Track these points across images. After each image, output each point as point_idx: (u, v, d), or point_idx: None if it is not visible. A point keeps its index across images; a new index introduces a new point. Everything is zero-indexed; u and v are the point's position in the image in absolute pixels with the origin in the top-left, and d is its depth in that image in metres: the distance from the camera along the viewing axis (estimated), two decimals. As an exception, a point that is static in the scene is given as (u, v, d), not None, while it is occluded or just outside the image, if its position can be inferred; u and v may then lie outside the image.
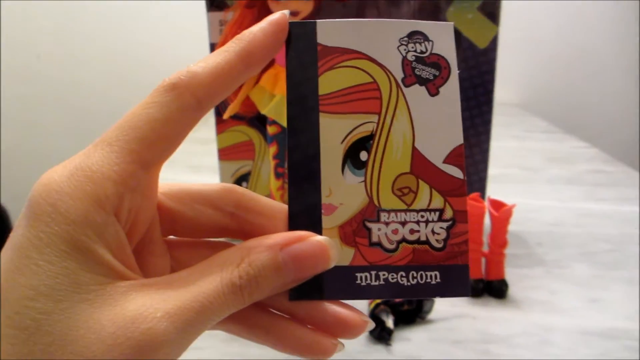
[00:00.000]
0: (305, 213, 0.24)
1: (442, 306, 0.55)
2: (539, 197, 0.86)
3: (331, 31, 0.25)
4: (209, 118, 0.81)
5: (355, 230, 0.24)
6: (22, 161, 1.67)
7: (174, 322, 0.20)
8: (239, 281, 0.21)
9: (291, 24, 0.25)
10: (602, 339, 0.50)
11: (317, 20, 0.25)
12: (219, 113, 0.61)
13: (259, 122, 0.62)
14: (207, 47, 0.59)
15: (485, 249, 0.58)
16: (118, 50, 1.60)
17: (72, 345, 0.19)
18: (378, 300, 0.50)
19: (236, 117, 0.59)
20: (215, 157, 0.65)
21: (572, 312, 0.55)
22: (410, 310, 0.52)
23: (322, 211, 0.24)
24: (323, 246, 0.23)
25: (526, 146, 1.16)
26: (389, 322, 0.50)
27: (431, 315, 0.53)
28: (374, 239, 0.24)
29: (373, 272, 0.24)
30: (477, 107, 0.65)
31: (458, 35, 0.63)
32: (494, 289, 0.57)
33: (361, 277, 0.24)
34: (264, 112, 0.55)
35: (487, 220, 0.57)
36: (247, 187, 0.65)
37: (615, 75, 1.50)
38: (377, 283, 0.24)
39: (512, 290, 0.58)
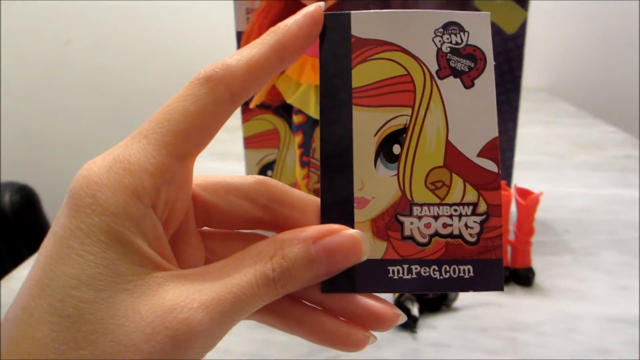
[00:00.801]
0: (337, 206, 0.24)
1: (467, 294, 0.55)
2: (567, 184, 0.85)
3: (365, 23, 0.25)
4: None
5: (388, 224, 0.24)
6: (51, 146, 1.71)
7: (209, 313, 0.20)
8: (272, 274, 0.22)
9: (325, 16, 0.24)
10: (630, 326, 0.50)
11: (352, 12, 0.25)
12: (245, 102, 0.61)
13: (285, 111, 0.62)
14: (233, 35, 0.60)
15: (512, 237, 0.58)
16: (146, 36, 1.61)
17: (112, 334, 0.19)
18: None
19: (262, 106, 0.59)
20: (240, 144, 0.65)
21: (600, 300, 0.54)
22: (435, 298, 0.52)
23: (355, 204, 0.24)
24: (355, 239, 0.23)
25: (554, 132, 1.14)
26: (415, 309, 0.50)
27: (457, 303, 0.53)
28: (407, 232, 0.24)
29: (405, 266, 0.24)
30: (504, 94, 0.65)
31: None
32: (520, 277, 0.57)
33: (393, 271, 0.24)
34: (289, 101, 0.55)
35: (513, 208, 0.57)
36: (272, 176, 0.66)
37: (646, 57, 1.47)
38: (409, 276, 0.24)
39: (539, 278, 0.58)
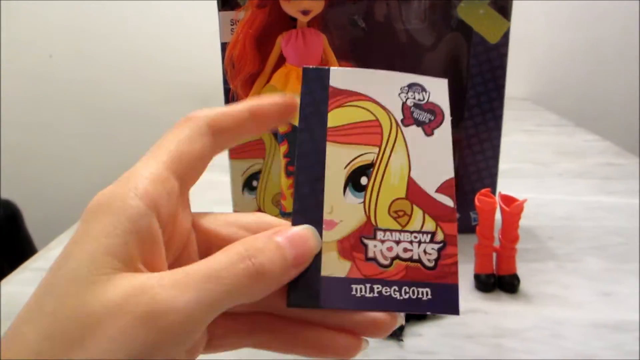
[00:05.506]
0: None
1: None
2: (550, 191, 0.86)
3: (342, 76, 0.29)
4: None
5: (353, 245, 0.26)
6: (34, 160, 1.69)
7: (182, 288, 0.21)
8: (245, 252, 0.23)
9: (307, 70, 0.29)
10: (615, 332, 0.51)
11: (331, 67, 0.29)
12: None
13: (270, 120, 0.62)
14: (218, 47, 0.60)
15: (497, 244, 0.58)
16: (130, 49, 1.61)
17: (83, 323, 0.20)
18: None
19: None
20: (225, 155, 0.65)
21: (584, 306, 0.55)
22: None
23: (323, 226, 0.26)
24: (307, 228, 0.26)
25: (537, 140, 1.16)
26: (401, 317, 0.50)
27: (443, 311, 0.53)
28: (370, 254, 0.26)
29: (368, 285, 0.26)
30: (488, 103, 0.65)
31: (469, 31, 0.63)
32: (505, 283, 0.57)
33: (356, 289, 0.26)
34: (275, 110, 0.55)
35: (498, 216, 0.57)
36: (257, 185, 0.66)
37: (626, 67, 1.49)
38: (371, 295, 0.26)
39: (524, 284, 0.58)
